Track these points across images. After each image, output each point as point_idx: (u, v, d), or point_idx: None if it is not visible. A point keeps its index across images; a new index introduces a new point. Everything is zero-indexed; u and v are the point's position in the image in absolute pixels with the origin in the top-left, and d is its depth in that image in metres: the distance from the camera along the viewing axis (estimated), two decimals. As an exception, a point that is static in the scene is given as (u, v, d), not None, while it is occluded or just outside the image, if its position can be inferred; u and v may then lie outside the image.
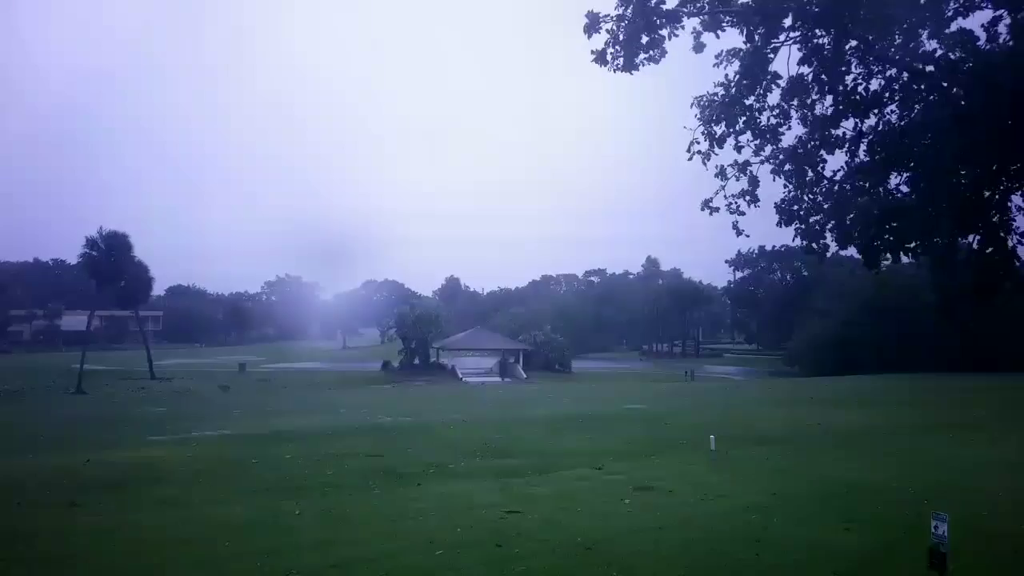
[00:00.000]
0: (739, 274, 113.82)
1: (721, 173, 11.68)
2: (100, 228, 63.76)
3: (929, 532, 4.98)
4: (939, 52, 10.08)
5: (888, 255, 11.24)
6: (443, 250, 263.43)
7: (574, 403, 30.31)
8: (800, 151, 11.25)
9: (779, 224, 11.82)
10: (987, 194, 10.47)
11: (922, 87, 10.33)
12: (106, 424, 24.42)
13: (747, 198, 11.65)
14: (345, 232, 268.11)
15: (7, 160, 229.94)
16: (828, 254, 12.11)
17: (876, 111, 10.85)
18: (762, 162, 11.50)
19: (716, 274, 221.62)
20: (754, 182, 11.61)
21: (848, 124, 11.11)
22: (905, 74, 10.40)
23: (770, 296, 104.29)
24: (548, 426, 20.71)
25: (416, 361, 75.38)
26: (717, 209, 11.91)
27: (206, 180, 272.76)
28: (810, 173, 11.42)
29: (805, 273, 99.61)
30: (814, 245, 11.68)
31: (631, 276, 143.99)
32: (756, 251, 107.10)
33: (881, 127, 10.91)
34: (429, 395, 40.44)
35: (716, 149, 11.51)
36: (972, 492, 11.24)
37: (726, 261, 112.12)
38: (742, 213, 11.72)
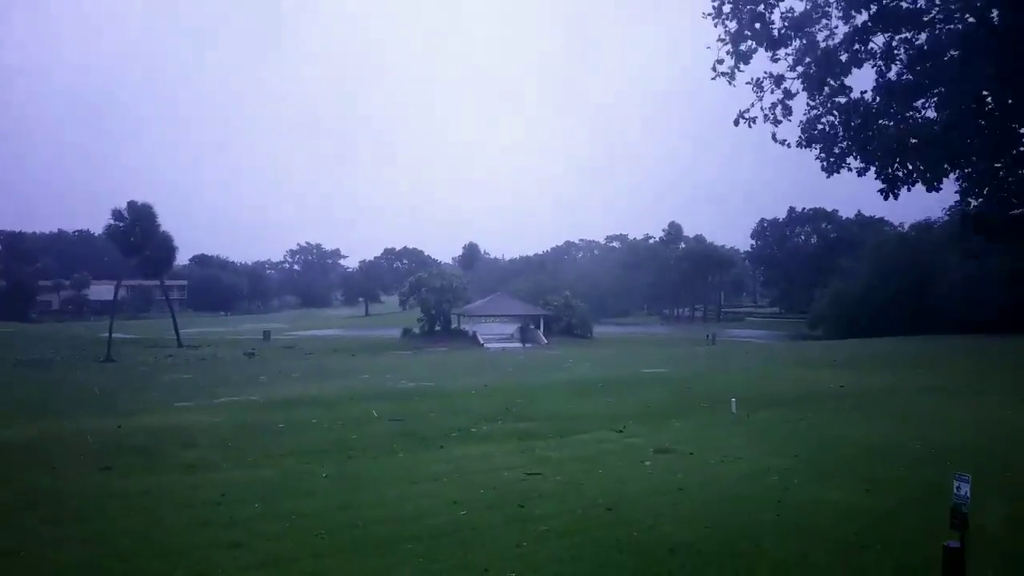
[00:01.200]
0: (761, 241, 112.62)
1: (757, 85, 11.55)
2: (128, 201, 64.45)
3: (951, 492, 4.98)
4: None
5: (908, 184, 11.06)
6: (463, 216, 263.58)
7: (594, 368, 30.40)
8: (827, 60, 11.01)
9: (800, 144, 11.68)
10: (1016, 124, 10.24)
11: (958, 5, 10.04)
12: (136, 390, 24.88)
13: (780, 109, 11.51)
14: (368, 197, 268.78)
15: (36, 133, 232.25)
16: (840, 171, 11.91)
17: (910, 27, 10.57)
18: (796, 77, 11.32)
19: (740, 239, 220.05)
20: (788, 95, 11.46)
21: (879, 40, 10.86)
22: None
23: (793, 258, 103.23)
24: (568, 390, 20.82)
25: (437, 327, 75.76)
26: (754, 119, 11.78)
27: (231, 148, 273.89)
28: (833, 83, 11.19)
29: (833, 235, 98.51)
30: (834, 163, 11.53)
31: (652, 240, 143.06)
32: (784, 216, 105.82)
33: (913, 46, 10.65)
34: (450, 361, 40.76)
35: (741, 66, 11.28)
36: (995, 454, 11.19)
37: (759, 224, 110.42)
38: (779, 121, 11.58)
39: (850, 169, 11.68)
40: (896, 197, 11.62)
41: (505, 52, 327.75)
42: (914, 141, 10.60)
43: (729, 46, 11.22)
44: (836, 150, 11.56)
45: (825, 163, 11.68)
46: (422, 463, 11.23)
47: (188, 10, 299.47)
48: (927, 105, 10.84)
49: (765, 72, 11.49)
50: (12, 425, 15.81)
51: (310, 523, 8.01)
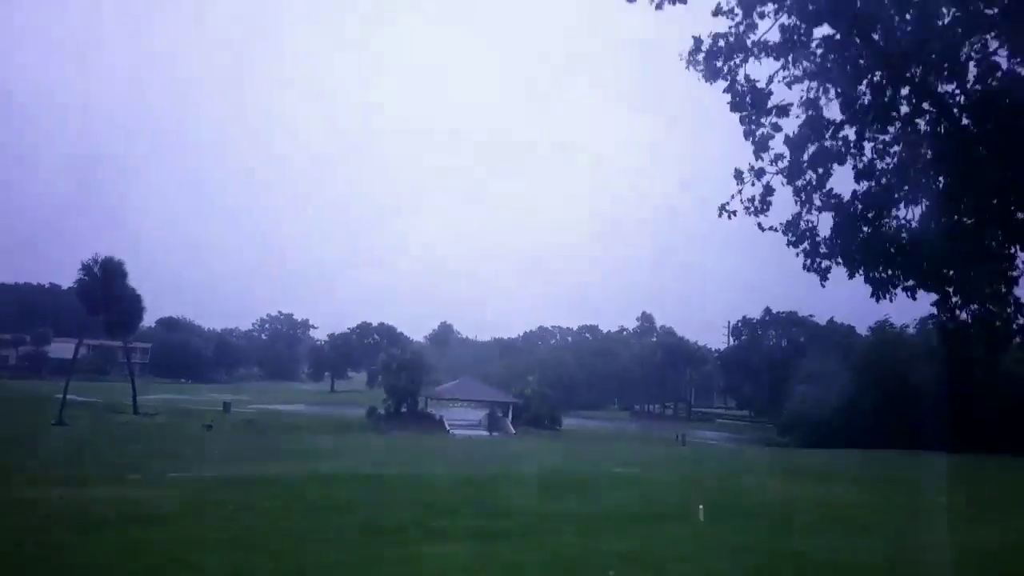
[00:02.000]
0: (737, 340, 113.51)
1: (738, 176, 11.69)
2: (96, 254, 63.54)
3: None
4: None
5: (894, 288, 11.09)
6: (437, 296, 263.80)
7: (563, 463, 29.90)
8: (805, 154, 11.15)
9: (788, 244, 11.75)
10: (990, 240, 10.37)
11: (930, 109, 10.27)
12: (83, 459, 23.94)
13: (760, 205, 11.61)
14: (340, 271, 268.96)
15: (8, 183, 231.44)
16: (829, 276, 11.94)
17: (880, 125, 10.78)
18: (776, 172, 11.46)
19: (710, 336, 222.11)
20: (768, 191, 11.59)
21: (850, 132, 11.06)
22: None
23: (764, 361, 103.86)
24: (534, 486, 20.37)
25: (403, 409, 74.59)
26: (734, 213, 11.87)
27: (207, 212, 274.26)
28: (810, 178, 11.32)
29: (801, 339, 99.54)
30: (818, 264, 11.57)
31: (625, 332, 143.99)
32: (760, 316, 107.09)
33: (887, 148, 10.85)
34: (414, 446, 39.94)
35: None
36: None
37: (734, 323, 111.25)
38: (762, 212, 11.65)
39: (830, 268, 11.75)
40: (890, 299, 11.67)
41: (484, 127, 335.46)
42: (893, 249, 10.74)
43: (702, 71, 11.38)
44: (820, 251, 11.69)
45: (810, 264, 11.79)
46: (377, 562, 10.71)
47: (168, 69, 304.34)
48: (908, 210, 11.01)
49: (749, 165, 11.70)
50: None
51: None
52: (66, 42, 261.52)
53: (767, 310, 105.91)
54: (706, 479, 25.21)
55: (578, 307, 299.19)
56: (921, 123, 10.54)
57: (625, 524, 14.81)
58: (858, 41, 10.30)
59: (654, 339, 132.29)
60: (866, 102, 10.69)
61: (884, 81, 10.66)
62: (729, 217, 11.90)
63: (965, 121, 10.16)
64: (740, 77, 11.22)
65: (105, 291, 62.45)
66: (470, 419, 73.53)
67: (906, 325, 70.34)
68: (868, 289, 11.53)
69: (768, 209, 11.69)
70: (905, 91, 10.55)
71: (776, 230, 12.10)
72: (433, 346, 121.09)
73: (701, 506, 16.02)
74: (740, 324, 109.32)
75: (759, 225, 11.98)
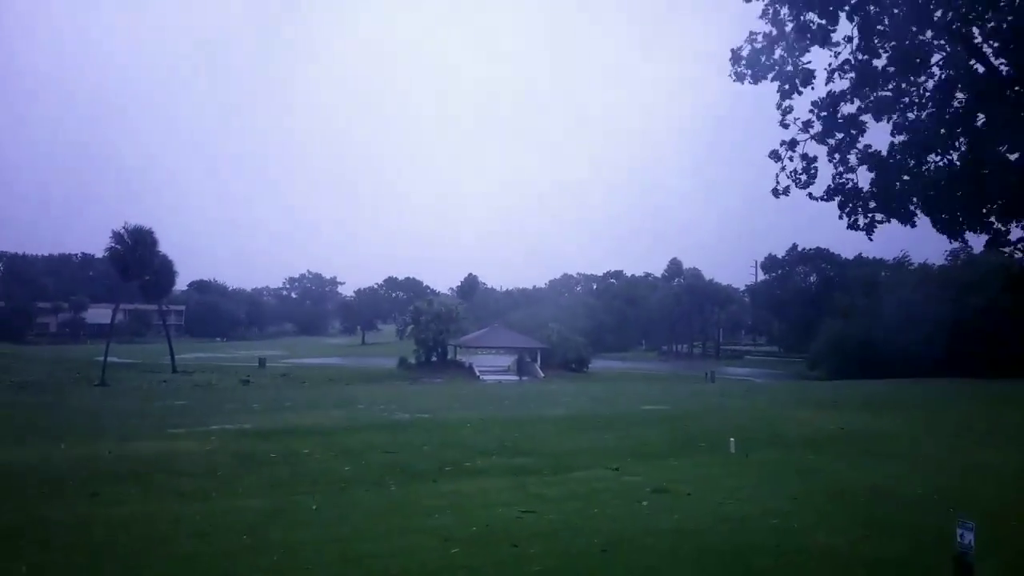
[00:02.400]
0: (764, 276, 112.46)
1: (775, 156, 11.67)
2: (125, 222, 64.44)
3: (954, 540, 4.87)
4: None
5: (961, 226, 11.09)
6: (463, 248, 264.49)
7: (591, 403, 30.19)
8: (843, 116, 11.14)
9: (823, 197, 11.77)
10: None
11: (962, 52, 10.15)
12: (128, 416, 24.65)
13: (805, 173, 11.62)
14: (368, 226, 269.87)
15: (38, 156, 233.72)
16: (875, 230, 11.96)
17: (923, 72, 10.69)
18: (809, 138, 11.43)
19: (739, 277, 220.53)
20: (809, 160, 11.59)
21: (891, 87, 10.98)
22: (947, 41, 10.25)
23: (793, 297, 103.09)
24: (565, 426, 20.63)
25: (433, 358, 75.53)
26: (787, 191, 11.92)
27: (234, 175, 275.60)
28: (848, 137, 11.30)
29: (831, 274, 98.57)
30: (860, 221, 11.58)
31: (652, 277, 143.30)
32: (786, 253, 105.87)
33: (925, 96, 10.76)
34: (446, 393, 40.51)
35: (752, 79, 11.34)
36: (999, 501, 11.03)
37: (760, 262, 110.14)
38: (809, 182, 11.67)
39: (875, 223, 11.71)
40: (963, 240, 11.66)
41: (511, 83, 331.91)
42: (931, 193, 10.68)
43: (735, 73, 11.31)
44: (860, 206, 11.63)
45: (849, 219, 11.75)
46: (415, 497, 11.07)
47: (194, 35, 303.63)
48: (945, 155, 10.92)
49: (781, 141, 11.64)
50: (1, 448, 15.62)
51: (299, 556, 7.85)
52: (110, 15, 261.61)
53: (793, 246, 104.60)
54: (735, 413, 25.36)
55: (604, 256, 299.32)
56: (950, 71, 10.38)
57: (655, 457, 15.06)
58: None
59: (680, 280, 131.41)
60: (902, 53, 10.53)
61: (916, 30, 10.48)
62: (778, 196, 11.87)
63: (997, 61, 9.99)
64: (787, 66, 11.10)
65: (137, 257, 63.52)
66: (499, 365, 74.29)
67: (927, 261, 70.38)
68: (889, 227, 11.52)
69: (815, 178, 11.67)
70: (938, 39, 10.39)
71: (825, 199, 12.06)
72: (460, 297, 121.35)
73: (732, 439, 16.22)
74: (767, 261, 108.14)
75: (810, 195, 11.97)
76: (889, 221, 11.67)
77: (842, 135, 11.33)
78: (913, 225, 11.67)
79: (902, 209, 11.15)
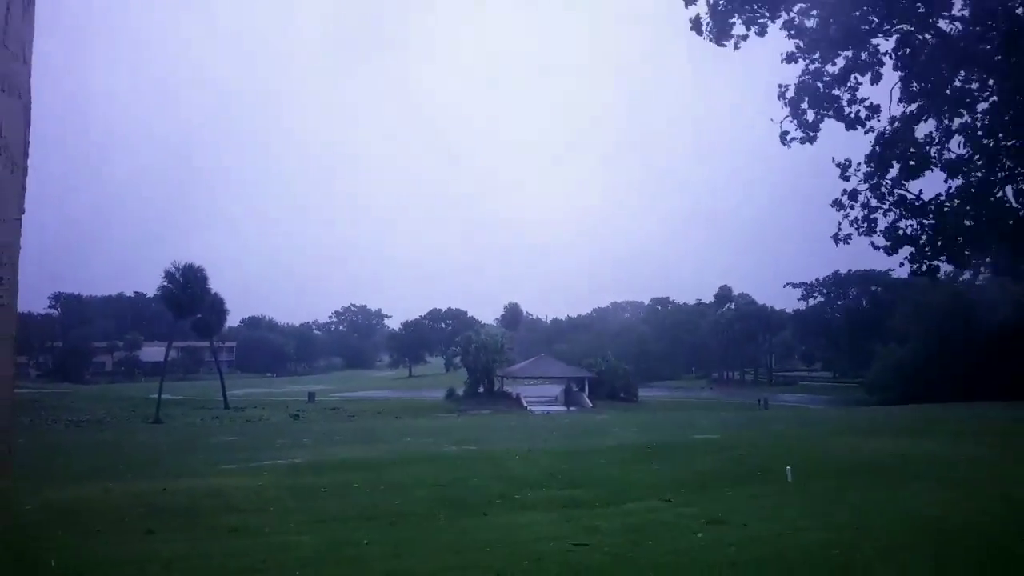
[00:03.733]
0: (811, 301, 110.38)
1: (837, 203, 11.66)
2: (175, 261, 66.23)
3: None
4: None
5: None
6: (504, 278, 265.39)
7: (642, 432, 29.81)
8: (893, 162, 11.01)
9: (888, 251, 11.65)
10: None
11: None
12: (181, 452, 25.13)
13: (867, 224, 11.59)
14: (409, 259, 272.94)
15: (90, 199, 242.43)
16: (939, 275, 11.76)
17: (966, 108, 10.53)
18: (868, 188, 11.38)
19: (785, 302, 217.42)
20: (871, 208, 11.54)
21: (931, 125, 10.84)
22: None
23: (845, 320, 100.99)
24: (615, 456, 20.38)
25: (481, 389, 75.59)
26: (849, 237, 11.92)
27: (279, 213, 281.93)
28: (909, 194, 11.17)
29: (881, 296, 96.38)
30: (924, 267, 11.39)
31: (701, 303, 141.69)
32: (832, 275, 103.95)
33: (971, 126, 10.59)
34: (494, 424, 40.41)
35: (810, 133, 11.34)
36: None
37: (813, 282, 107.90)
38: (872, 232, 11.62)
39: (935, 274, 11.55)
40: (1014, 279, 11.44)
41: (555, 112, 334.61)
42: (995, 226, 10.47)
43: (794, 120, 11.30)
44: (927, 250, 11.50)
45: (917, 268, 11.61)
46: (466, 531, 11.01)
47: (245, 72, 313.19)
48: (1004, 189, 10.71)
49: (842, 191, 11.65)
50: (60, 486, 16.01)
51: (351, 593, 7.85)
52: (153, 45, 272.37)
53: (835, 272, 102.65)
54: (791, 440, 24.79)
55: (649, 283, 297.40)
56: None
57: (709, 488, 14.76)
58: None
59: (731, 306, 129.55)
60: (945, 92, 10.45)
61: (952, 66, 10.38)
62: (841, 243, 11.87)
63: None
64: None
65: (188, 295, 65.17)
66: (547, 395, 73.98)
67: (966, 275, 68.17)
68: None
69: (875, 228, 11.63)
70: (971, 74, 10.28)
71: (886, 252, 11.94)
72: (504, 327, 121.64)
73: (788, 467, 15.83)
74: (815, 284, 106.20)
75: (872, 244, 11.95)
76: (955, 266, 11.51)
77: (891, 183, 11.24)
78: (964, 267, 11.50)
79: (961, 253, 11.02)
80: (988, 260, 10.05)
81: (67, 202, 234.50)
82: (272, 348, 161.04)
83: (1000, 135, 9.85)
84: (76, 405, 63.53)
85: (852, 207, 11.09)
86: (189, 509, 13.06)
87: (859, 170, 10.72)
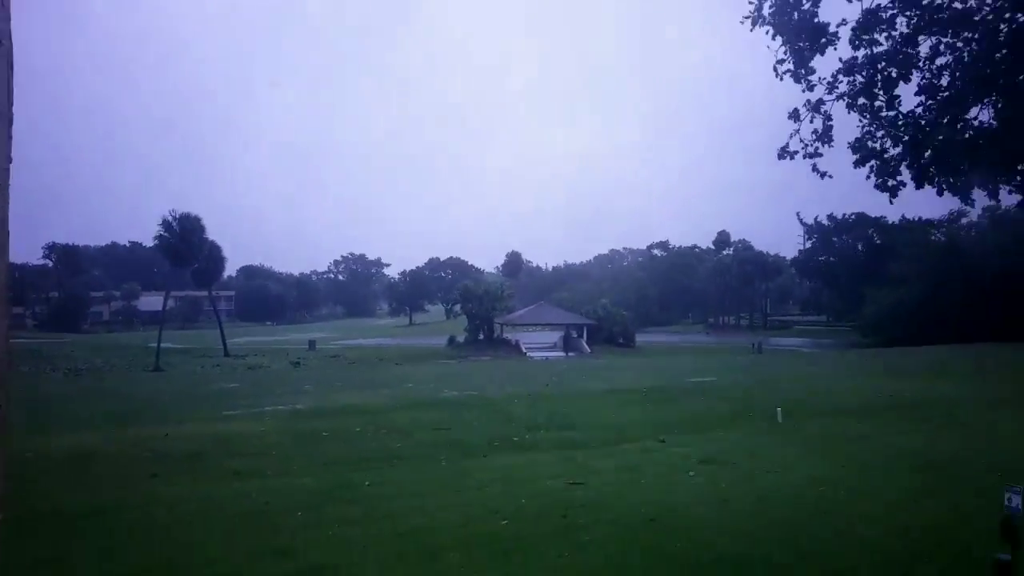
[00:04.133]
0: (808, 243, 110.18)
1: (794, 115, 11.38)
2: (173, 210, 65.91)
3: (1002, 504, 4.85)
4: None
5: (977, 188, 10.80)
6: (505, 226, 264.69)
7: (638, 377, 30.19)
8: (874, 74, 10.79)
9: (855, 164, 11.51)
10: None
11: (1007, 4, 9.81)
12: (183, 399, 25.43)
13: (822, 139, 11.32)
14: (409, 206, 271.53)
15: (88, 146, 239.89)
16: (900, 192, 11.66)
17: (960, 28, 10.33)
18: (836, 99, 11.13)
19: (784, 246, 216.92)
20: (827, 118, 11.28)
21: (925, 47, 10.63)
22: None
23: (841, 265, 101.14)
24: (612, 400, 20.71)
25: (481, 336, 76.14)
26: (794, 154, 11.65)
27: (276, 161, 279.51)
28: (881, 97, 10.95)
29: (877, 241, 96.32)
30: (888, 182, 11.28)
31: (698, 249, 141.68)
32: (827, 219, 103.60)
33: (961, 50, 10.42)
34: (494, 370, 40.86)
35: (803, 71, 11.05)
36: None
37: (803, 223, 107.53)
38: (819, 155, 11.41)
39: (903, 185, 11.42)
40: (971, 201, 11.37)
41: (553, 62, 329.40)
42: (967, 148, 10.37)
43: (784, 46, 11.02)
44: (892, 163, 11.34)
45: (881, 183, 11.46)
46: (465, 472, 11.28)
47: (242, 27, 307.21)
48: (981, 110, 10.56)
49: (806, 101, 11.34)
50: (63, 434, 16.29)
51: (353, 532, 8.10)
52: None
53: (831, 216, 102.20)
54: (783, 383, 25.16)
55: (651, 230, 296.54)
56: (1003, 27, 10.00)
57: (702, 429, 15.06)
58: None
59: (728, 251, 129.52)
60: (943, 11, 10.20)
61: None
62: (790, 158, 11.60)
63: None
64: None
65: (186, 244, 65.02)
66: (546, 342, 74.57)
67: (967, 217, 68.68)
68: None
69: (831, 142, 11.34)
70: None
71: (831, 176, 11.75)
72: (505, 275, 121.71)
73: (779, 408, 16.15)
74: (814, 226, 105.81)
75: (814, 168, 11.67)
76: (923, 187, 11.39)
77: (875, 97, 10.98)
78: (919, 187, 11.38)
79: (928, 170, 10.86)
80: (952, 180, 9.99)
81: (59, 151, 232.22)
82: (271, 297, 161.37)
83: (993, 59, 9.72)
84: (75, 354, 63.96)
85: (812, 119, 10.96)
86: (192, 454, 13.33)
87: (836, 83, 10.53)
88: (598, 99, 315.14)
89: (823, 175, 11.76)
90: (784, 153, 11.73)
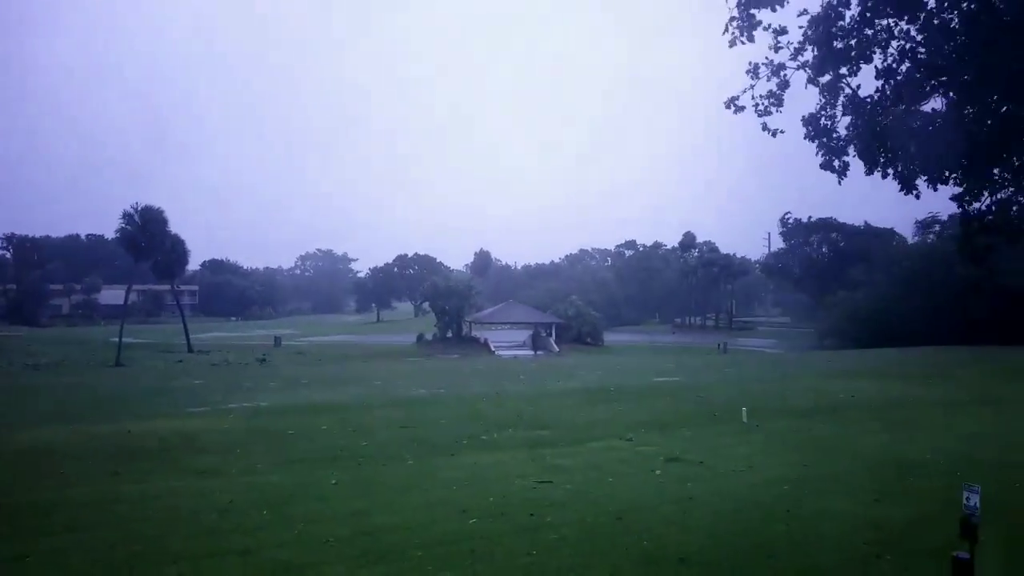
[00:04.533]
0: (782, 244, 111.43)
1: (753, 71, 11.38)
2: (136, 203, 64.67)
3: (960, 504, 4.97)
4: None
5: (922, 182, 10.95)
6: (474, 224, 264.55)
7: (606, 376, 30.38)
8: (835, 50, 10.82)
9: (806, 137, 11.59)
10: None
11: None
12: (146, 395, 25.04)
13: (772, 100, 11.35)
14: (379, 202, 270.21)
15: (48, 136, 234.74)
16: (846, 175, 11.74)
17: (909, 11, 10.43)
18: (798, 67, 11.17)
19: (749, 248, 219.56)
20: (784, 85, 11.30)
21: (882, 24, 10.69)
22: None
23: (806, 268, 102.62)
24: (580, 398, 20.83)
25: (449, 334, 75.98)
26: (743, 108, 11.65)
27: (242, 154, 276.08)
28: (838, 74, 11.01)
29: (842, 244, 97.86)
30: (835, 163, 11.38)
31: (664, 248, 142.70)
32: (792, 222, 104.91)
33: (913, 37, 10.54)
34: (462, 368, 40.82)
35: (752, 31, 10.96)
36: (1004, 467, 11.15)
37: (784, 224, 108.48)
38: (768, 113, 11.45)
39: (847, 167, 11.49)
40: (916, 195, 11.50)
41: (513, 59, 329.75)
42: (915, 135, 10.52)
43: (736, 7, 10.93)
44: (841, 143, 11.45)
45: (828, 162, 11.55)
46: (433, 471, 11.27)
47: (196, 18, 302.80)
48: (935, 99, 10.71)
49: (765, 59, 11.33)
50: (23, 429, 15.96)
51: (319, 530, 8.05)
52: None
53: (796, 220, 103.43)
54: (747, 383, 25.49)
55: (620, 230, 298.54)
56: (953, 16, 10.18)
57: (668, 428, 15.21)
58: None
59: (695, 252, 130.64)
60: None
61: None
62: (735, 112, 11.63)
63: (1002, 5, 9.83)
64: None
65: (147, 237, 63.81)
66: (514, 340, 74.57)
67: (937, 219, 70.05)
68: (896, 193, 11.39)
69: (781, 105, 11.39)
70: None
71: (782, 132, 11.84)
72: (473, 273, 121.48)
73: (744, 408, 16.37)
74: (790, 225, 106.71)
75: (764, 126, 11.74)
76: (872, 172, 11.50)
77: (830, 73, 11.04)
78: (868, 173, 11.49)
79: (875, 154, 10.98)
80: (899, 167, 10.18)
81: (14, 142, 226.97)
82: (236, 292, 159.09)
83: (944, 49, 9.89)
84: (33, 348, 62.46)
85: (769, 78, 11.03)
86: (156, 451, 13.15)
87: (802, 49, 10.57)
88: (568, 96, 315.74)
89: (774, 133, 11.83)
90: (732, 104, 11.74)
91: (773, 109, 11.40)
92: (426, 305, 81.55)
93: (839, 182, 11.59)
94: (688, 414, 17.28)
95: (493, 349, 68.35)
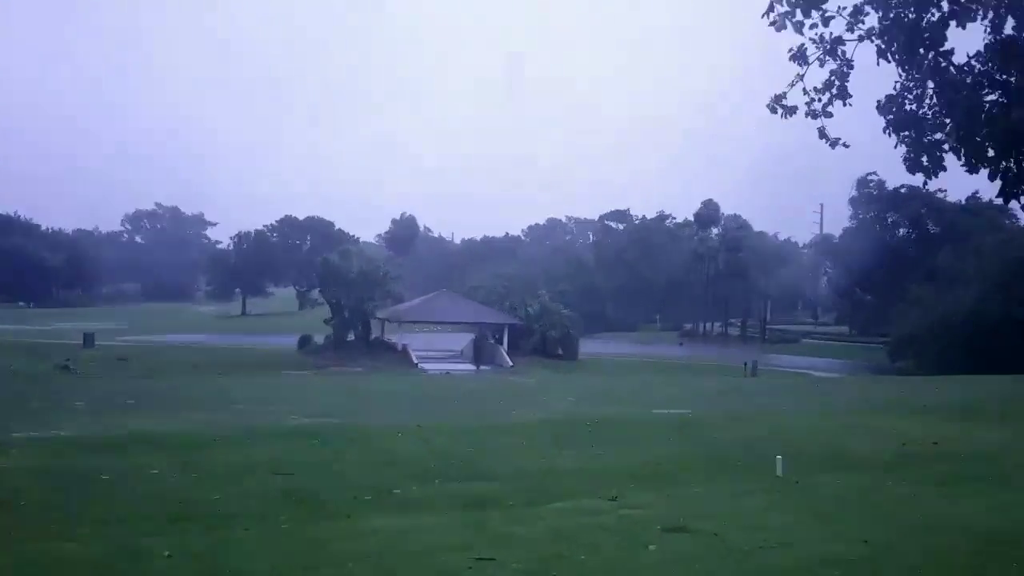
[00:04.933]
0: (831, 228, 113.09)
1: (800, 55, 11.40)
2: None
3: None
4: None
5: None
6: (397, 178, 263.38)
7: (581, 403, 30.53)
8: (915, 18, 10.93)
9: (885, 130, 11.67)
10: None
11: None
12: None
13: (833, 91, 11.40)
14: (255, 141, 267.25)
15: None
16: (939, 175, 11.92)
17: None
18: (860, 39, 11.24)
19: (795, 228, 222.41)
20: (845, 68, 11.35)
21: None
22: None
23: (878, 258, 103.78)
24: (543, 436, 20.86)
25: (351, 337, 75.65)
26: (794, 110, 11.70)
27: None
28: (929, 55, 11.14)
29: (931, 227, 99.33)
30: (924, 160, 11.52)
31: (671, 223, 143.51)
32: (874, 184, 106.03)
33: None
34: (369, 387, 40.65)
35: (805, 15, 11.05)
36: None
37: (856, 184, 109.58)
38: (828, 115, 11.50)
39: (934, 173, 11.65)
40: (1019, 199, 11.70)
41: None
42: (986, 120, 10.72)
43: None
44: (933, 139, 11.56)
45: (911, 159, 11.67)
46: (318, 541, 11.12)
47: None
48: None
49: (815, 37, 11.30)
50: None
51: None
52: None
53: (866, 177, 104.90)
54: (785, 419, 25.75)
55: (608, 199, 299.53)
56: None
57: (670, 482, 15.28)
58: None
59: (714, 231, 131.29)
60: None
61: None
62: (783, 115, 11.63)
63: None
64: None
65: None
66: (448, 349, 74.58)
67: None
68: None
69: (847, 98, 11.42)
70: None
71: (847, 146, 11.91)
72: (391, 249, 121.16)
73: (779, 456, 16.49)
74: (861, 191, 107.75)
75: (821, 133, 11.80)
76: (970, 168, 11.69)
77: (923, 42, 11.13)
78: (973, 172, 11.71)
79: (983, 149, 11.18)
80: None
81: None
82: (29, 263, 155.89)
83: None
84: None
85: (823, 62, 11.11)
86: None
87: (861, 17, 10.65)
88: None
89: (834, 143, 11.92)
90: (778, 106, 11.75)
91: (836, 104, 11.42)
92: (317, 293, 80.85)
93: (924, 185, 11.77)
94: (698, 462, 17.39)
95: (416, 361, 68.29)
